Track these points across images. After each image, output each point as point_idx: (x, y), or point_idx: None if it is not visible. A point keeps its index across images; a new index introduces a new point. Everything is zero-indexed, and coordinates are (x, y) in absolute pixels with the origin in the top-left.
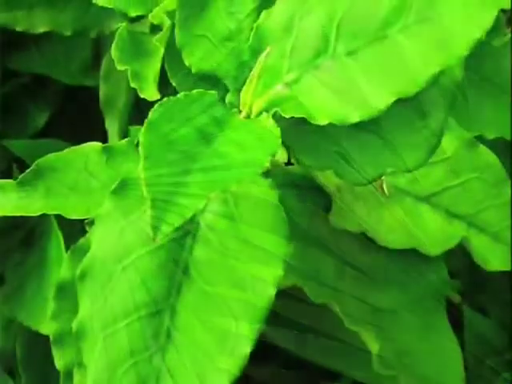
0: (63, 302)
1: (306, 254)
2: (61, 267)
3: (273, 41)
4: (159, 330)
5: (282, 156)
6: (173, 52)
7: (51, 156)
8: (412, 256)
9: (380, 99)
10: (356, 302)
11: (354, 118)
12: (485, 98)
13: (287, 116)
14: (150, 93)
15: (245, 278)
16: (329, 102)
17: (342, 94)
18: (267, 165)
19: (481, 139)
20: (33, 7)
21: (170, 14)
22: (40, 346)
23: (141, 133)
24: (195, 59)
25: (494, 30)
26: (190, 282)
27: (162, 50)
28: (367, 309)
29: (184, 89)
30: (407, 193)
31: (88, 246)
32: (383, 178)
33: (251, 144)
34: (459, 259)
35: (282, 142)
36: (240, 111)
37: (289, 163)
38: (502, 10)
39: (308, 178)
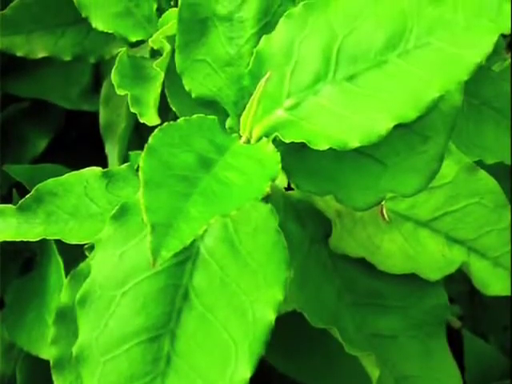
0: (63, 327)
1: (306, 278)
2: (61, 292)
3: (273, 66)
4: (159, 355)
5: (282, 181)
6: (173, 77)
7: (51, 181)
8: (412, 281)
9: (380, 124)
10: (356, 326)
11: (354, 143)
12: (485, 123)
13: (287, 141)
14: (150, 118)
15: (245, 303)
16: (329, 127)
17: (342, 119)
18: (267, 190)
19: (481, 164)
20: (32, 32)
21: (170, 39)
22: (40, 370)
23: (141, 158)
24: (195, 84)
25: (494, 55)
26: (190, 307)
27: (162, 75)
28: (367, 334)
29: (184, 114)
30: (407, 218)
31: (88, 271)
32: (383, 203)
33: (251, 169)
34: (459, 284)
35: (282, 167)
36: (240, 136)
37: (289, 188)
38: (502, 35)
39: (308, 203)
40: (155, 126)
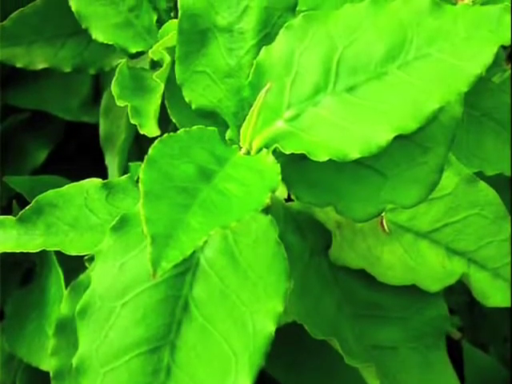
0: (63, 338)
1: (306, 290)
2: (61, 303)
3: (273, 77)
4: (159, 367)
5: (282, 192)
6: (173, 88)
7: (51, 192)
8: (412, 292)
9: (380, 135)
10: (356, 338)
11: (354, 154)
12: (485, 134)
13: (287, 152)
14: (150, 129)
15: (245, 314)
16: (329, 138)
17: (342, 131)
18: (267, 201)
19: (481, 175)
20: (32, 43)
21: (170, 50)
22: (40, 382)
23: (141, 169)
24: (195, 95)
25: (494, 66)
26: (190, 318)
27: (162, 86)
28: (367, 345)
29: (184, 125)
30: (407, 229)
31: (88, 282)
32: (383, 214)
33: (251, 180)
34: (459, 295)
35: (282, 178)
36: (240, 147)
37: (289, 199)
38: (502, 47)
39: (308, 214)
40: (155, 138)
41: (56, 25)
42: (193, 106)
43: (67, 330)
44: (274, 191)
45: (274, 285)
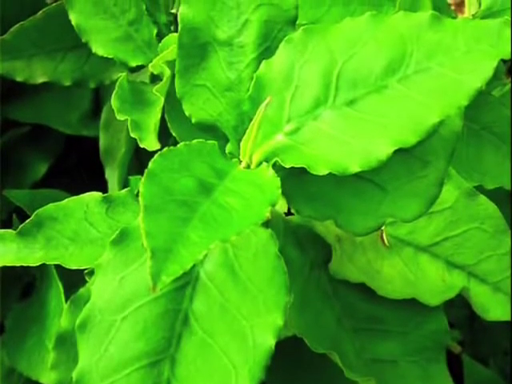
0: (63, 352)
1: (306, 303)
2: (61, 317)
3: (273, 91)
4: (159, 380)
5: (282, 206)
6: (173, 102)
7: (51, 206)
8: (412, 306)
9: (380, 149)
10: (356, 351)
11: (355, 168)
12: (485, 148)
13: (287, 166)
14: (150, 143)
15: (245, 328)
16: (329, 152)
17: (342, 144)
18: (267, 215)
19: (481, 189)
20: (32, 57)
21: (170, 64)
22: None
23: (141, 183)
24: (195, 109)
25: (494, 80)
26: (190, 332)
27: (162, 100)
28: (367, 359)
29: (184, 139)
30: (407, 243)
31: (88, 296)
32: (383, 228)
33: (251, 194)
34: (459, 309)
35: (282, 192)
36: (240, 161)
37: (289, 213)
38: (502, 60)
39: (308, 228)
40: (155, 151)
41: (56, 38)
42: (193, 120)
43: (67, 343)
44: (273, 205)
45: (274, 298)
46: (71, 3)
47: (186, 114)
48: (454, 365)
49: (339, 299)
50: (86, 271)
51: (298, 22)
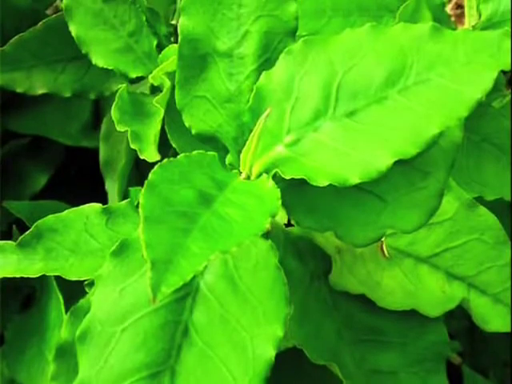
0: (63, 363)
1: (306, 315)
2: (61, 328)
3: (272, 102)
4: None
5: (282, 217)
6: (173, 113)
7: (51, 217)
8: (412, 317)
9: (380, 161)
10: (356, 363)
11: (354, 179)
12: (485, 159)
13: (287, 177)
14: (150, 154)
15: (245, 339)
16: (329, 163)
17: (342, 156)
18: (267, 226)
19: (480, 200)
20: (32, 69)
21: (170, 76)
22: None
23: (141, 194)
24: (195, 120)
25: (494, 91)
26: (189, 343)
27: (162, 111)
28: (367, 370)
29: (184, 150)
30: (407, 254)
31: (88, 307)
32: (383, 239)
33: (251, 205)
34: (459, 320)
35: (282, 203)
36: (240, 172)
37: (289, 224)
38: (502, 72)
39: (308, 239)
40: (155, 163)
41: (56, 50)
42: (193, 131)
43: (67, 354)
44: (273, 216)
45: (274, 310)
46: (71, 14)
47: (186, 125)
48: (454, 376)
49: (339, 310)
50: (86, 282)
51: (298, 34)
